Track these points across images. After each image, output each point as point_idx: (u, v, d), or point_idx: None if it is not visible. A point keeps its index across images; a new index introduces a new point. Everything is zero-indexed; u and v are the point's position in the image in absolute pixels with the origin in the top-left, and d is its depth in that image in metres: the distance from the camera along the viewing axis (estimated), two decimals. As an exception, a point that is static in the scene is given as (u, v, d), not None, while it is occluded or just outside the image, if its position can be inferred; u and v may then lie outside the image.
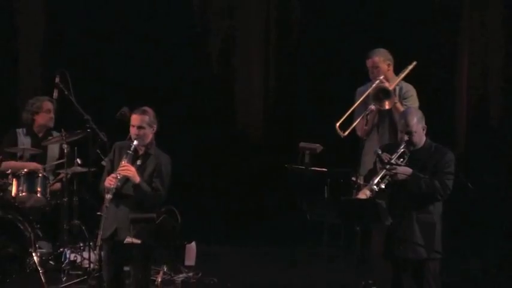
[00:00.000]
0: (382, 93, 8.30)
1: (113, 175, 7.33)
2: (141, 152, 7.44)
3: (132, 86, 10.88)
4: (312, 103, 11.23)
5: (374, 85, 8.37)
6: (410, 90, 8.53)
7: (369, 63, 8.58)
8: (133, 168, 7.35)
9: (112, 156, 7.59)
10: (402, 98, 8.47)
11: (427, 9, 11.11)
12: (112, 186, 7.29)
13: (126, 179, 7.37)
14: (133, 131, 7.40)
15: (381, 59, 8.53)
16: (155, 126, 7.44)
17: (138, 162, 7.42)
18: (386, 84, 8.32)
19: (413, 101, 8.44)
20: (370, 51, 8.62)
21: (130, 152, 7.36)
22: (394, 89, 8.51)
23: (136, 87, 10.90)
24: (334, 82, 10.97)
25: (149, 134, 7.41)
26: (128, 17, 11.34)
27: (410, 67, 8.55)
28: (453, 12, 11.22)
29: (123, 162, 7.35)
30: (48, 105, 9.65)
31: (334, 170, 8.01)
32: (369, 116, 8.30)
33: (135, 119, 7.42)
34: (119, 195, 7.36)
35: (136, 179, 7.33)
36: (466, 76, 11.21)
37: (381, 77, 8.40)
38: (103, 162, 9.04)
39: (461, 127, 11.27)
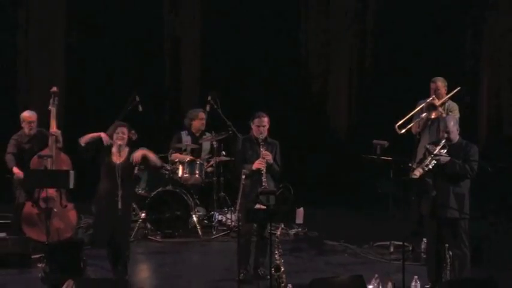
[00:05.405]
0: (431, 107, 9.55)
1: (260, 160, 8.32)
2: (262, 141, 8.40)
3: (262, 102, 11.40)
4: (381, 115, 11.95)
5: (427, 100, 9.57)
6: (454, 106, 9.68)
7: (432, 85, 9.64)
8: (270, 154, 8.38)
9: (240, 146, 8.52)
10: (449, 111, 9.53)
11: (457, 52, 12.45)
12: (262, 167, 8.32)
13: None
14: (261, 129, 8.37)
15: (442, 85, 9.66)
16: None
17: (264, 148, 8.36)
18: (435, 101, 9.53)
19: (456, 114, 9.51)
20: (435, 78, 9.66)
21: (262, 143, 8.34)
22: (443, 105, 9.52)
23: (263, 103, 11.08)
24: (395, 97, 12.04)
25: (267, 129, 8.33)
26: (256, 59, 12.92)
27: (455, 91, 9.68)
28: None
29: (263, 150, 8.34)
30: (202, 115, 10.85)
31: (396, 158, 9.17)
32: (420, 122, 9.61)
33: (261, 121, 8.42)
34: (256, 172, 8.29)
35: (271, 160, 8.44)
36: (487, 92, 12.57)
37: (433, 97, 9.53)
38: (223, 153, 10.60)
39: (482, 129, 12.61)
